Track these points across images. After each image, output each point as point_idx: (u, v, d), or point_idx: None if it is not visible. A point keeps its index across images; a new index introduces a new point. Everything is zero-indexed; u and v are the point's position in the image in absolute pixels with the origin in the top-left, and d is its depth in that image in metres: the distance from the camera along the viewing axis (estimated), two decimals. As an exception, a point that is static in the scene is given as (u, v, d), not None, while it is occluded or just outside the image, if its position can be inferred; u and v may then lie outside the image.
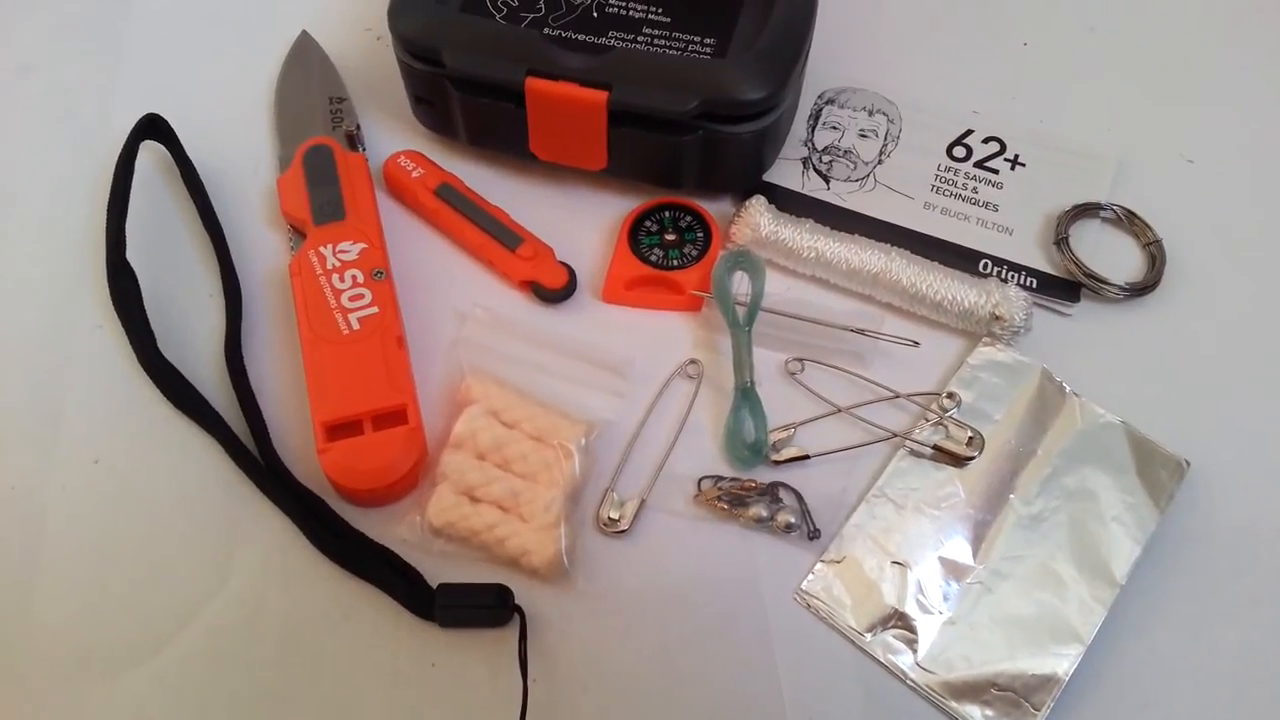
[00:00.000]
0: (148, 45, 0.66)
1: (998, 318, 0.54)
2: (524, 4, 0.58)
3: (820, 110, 0.64)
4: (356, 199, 0.56)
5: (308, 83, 0.63)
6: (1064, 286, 0.57)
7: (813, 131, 0.63)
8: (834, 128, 0.63)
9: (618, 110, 0.54)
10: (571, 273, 0.57)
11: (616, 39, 0.57)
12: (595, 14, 0.58)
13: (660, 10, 0.58)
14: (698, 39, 0.57)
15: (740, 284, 0.55)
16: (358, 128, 0.61)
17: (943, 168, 0.61)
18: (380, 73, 0.63)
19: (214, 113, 0.63)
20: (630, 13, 0.58)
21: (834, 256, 0.56)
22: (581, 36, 0.57)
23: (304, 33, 0.66)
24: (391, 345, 0.52)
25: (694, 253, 0.58)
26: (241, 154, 0.62)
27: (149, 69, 0.65)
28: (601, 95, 0.53)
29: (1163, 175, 0.61)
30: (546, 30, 0.57)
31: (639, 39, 0.57)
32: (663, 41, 0.57)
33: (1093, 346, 0.56)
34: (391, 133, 0.63)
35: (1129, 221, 0.59)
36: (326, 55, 0.65)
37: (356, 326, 0.52)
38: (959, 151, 0.62)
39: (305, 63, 0.64)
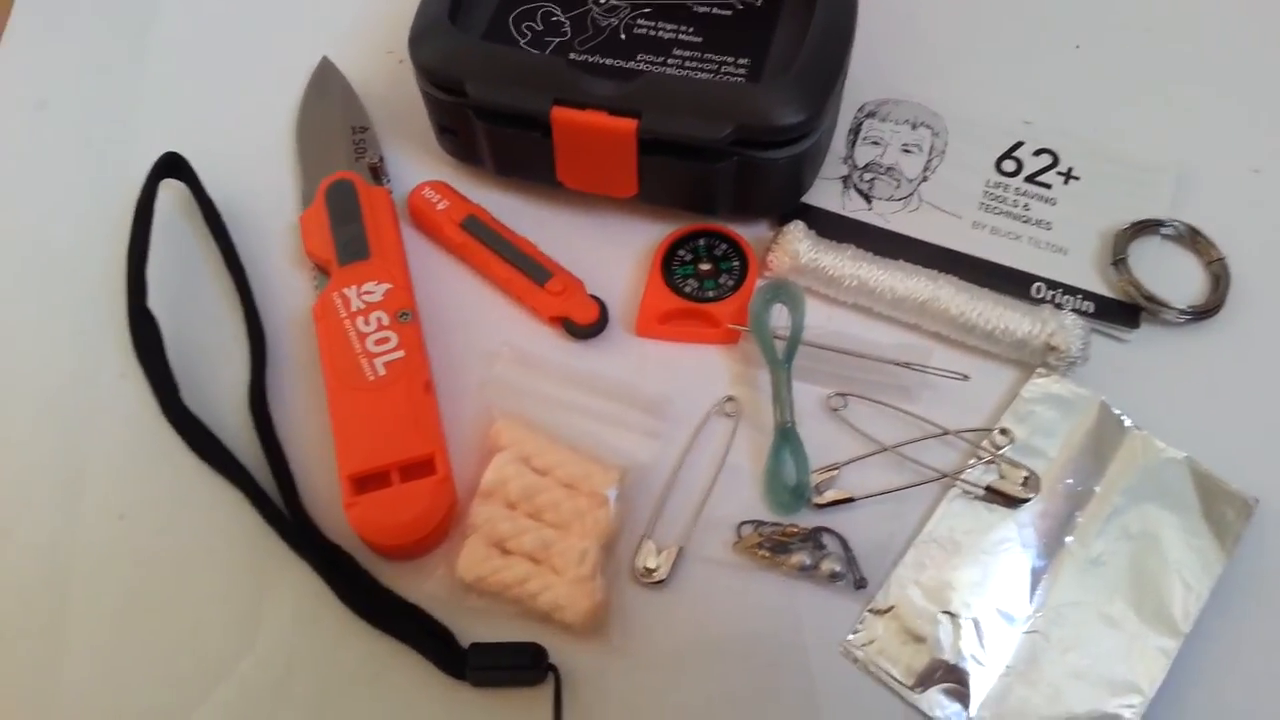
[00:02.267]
0: (167, 77, 0.65)
1: (1053, 348, 0.51)
2: (549, 28, 0.56)
3: (860, 124, 0.61)
4: (381, 236, 0.55)
5: (329, 112, 0.62)
6: (1122, 310, 0.54)
7: (853, 147, 0.60)
8: (875, 143, 0.60)
9: (648, 138, 0.52)
10: (603, 307, 0.55)
11: (646, 62, 0.55)
12: (623, 35, 0.56)
13: (691, 30, 0.56)
14: (730, 60, 0.55)
15: (779, 316, 0.53)
16: (381, 159, 0.60)
17: (991, 184, 0.58)
18: (404, 98, 0.61)
19: (235, 146, 0.62)
20: (660, 33, 0.56)
21: (877, 284, 0.53)
22: (609, 61, 0.55)
23: (325, 59, 0.64)
24: (418, 391, 0.50)
25: (730, 283, 0.55)
26: (264, 188, 0.60)
27: (169, 102, 0.64)
28: (631, 124, 0.51)
29: (1227, 187, 0.58)
30: (573, 55, 0.55)
31: (669, 61, 0.55)
32: (694, 64, 0.55)
33: (1153, 374, 0.53)
34: (416, 160, 0.61)
35: (1191, 239, 0.56)
36: (348, 83, 0.63)
37: (383, 372, 0.50)
38: (1009, 166, 0.59)
39: (327, 91, 0.63)
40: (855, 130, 0.61)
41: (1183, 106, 0.61)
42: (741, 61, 0.54)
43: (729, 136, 0.51)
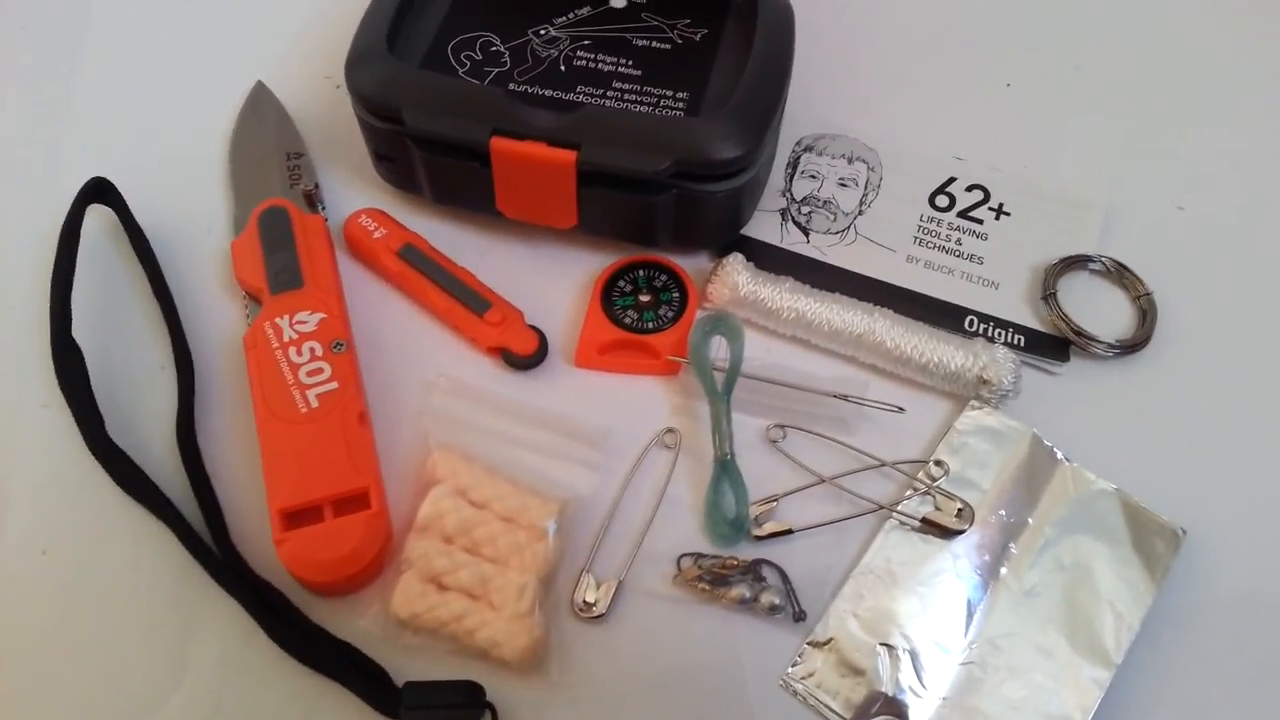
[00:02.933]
0: (96, 99, 0.64)
1: (985, 381, 0.52)
2: (488, 57, 0.56)
3: (798, 158, 0.62)
4: (315, 265, 0.54)
5: (263, 137, 0.61)
6: (1053, 344, 0.55)
7: (791, 180, 0.61)
8: (813, 176, 0.61)
9: (587, 170, 0.51)
10: (542, 338, 0.54)
11: (585, 94, 0.55)
12: (563, 67, 0.56)
13: (630, 63, 0.56)
14: (670, 93, 0.55)
15: (719, 348, 0.53)
16: (316, 186, 0.59)
17: (925, 218, 0.59)
18: (341, 124, 0.61)
19: (166, 170, 0.60)
20: (600, 66, 0.56)
21: (815, 317, 0.54)
22: (549, 92, 0.55)
23: (259, 83, 0.63)
24: (353, 423, 0.49)
25: (670, 314, 0.55)
26: (195, 213, 0.59)
27: (98, 124, 0.63)
28: (570, 155, 0.51)
29: (1152, 223, 0.60)
30: (512, 85, 0.55)
31: (609, 93, 0.55)
32: (633, 96, 0.55)
33: (1083, 406, 0.54)
34: (353, 187, 0.60)
35: (1119, 274, 0.57)
36: (283, 107, 0.62)
37: (315, 404, 0.49)
38: (942, 200, 0.60)
39: (261, 116, 0.62)
40: (793, 164, 0.61)
41: (1110, 144, 0.63)
42: (680, 95, 0.55)
43: (668, 170, 0.51)
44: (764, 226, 0.59)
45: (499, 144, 0.52)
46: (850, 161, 0.61)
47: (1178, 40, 0.68)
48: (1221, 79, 0.66)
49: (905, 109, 0.64)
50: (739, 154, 0.51)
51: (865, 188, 0.61)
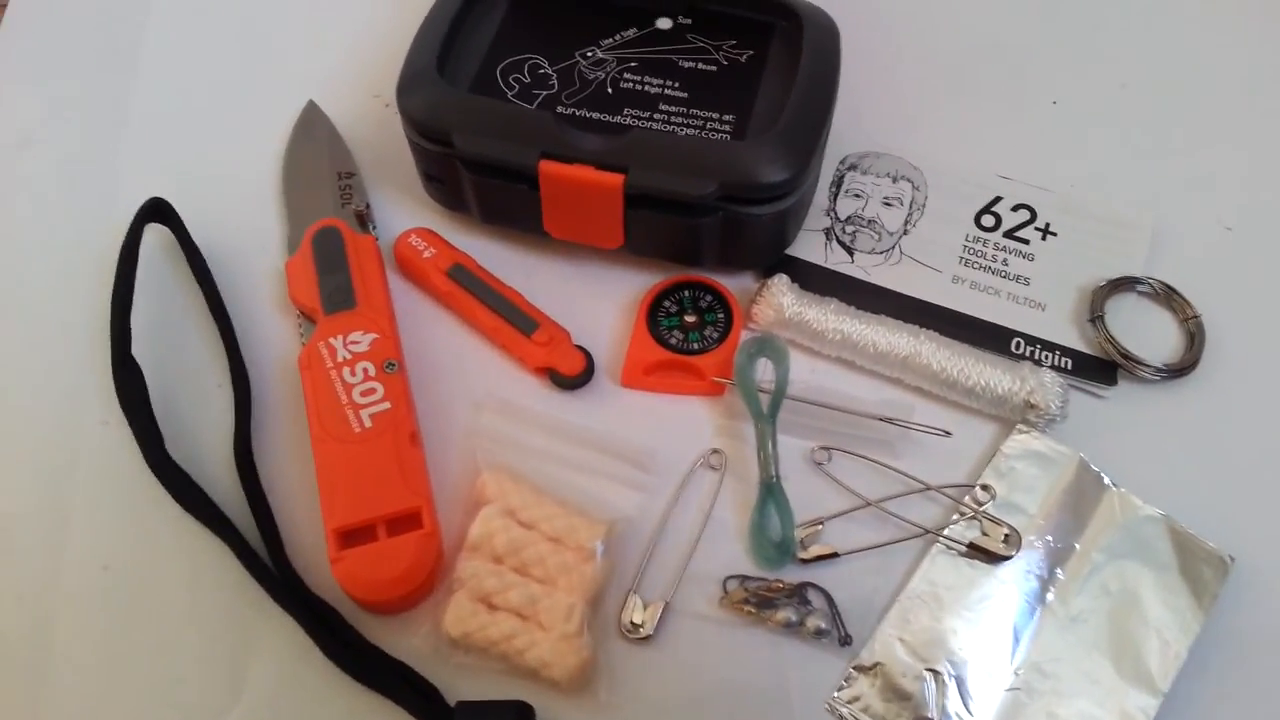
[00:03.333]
0: (152, 118, 0.65)
1: (1032, 405, 0.52)
2: (536, 80, 0.57)
3: (843, 177, 0.62)
4: (367, 285, 0.55)
5: (316, 157, 0.62)
6: (1100, 367, 0.55)
7: (835, 199, 0.61)
8: (857, 195, 0.61)
9: (634, 193, 0.52)
10: (588, 358, 0.55)
11: (632, 117, 0.55)
12: (610, 89, 0.56)
13: (677, 85, 0.56)
14: (716, 116, 0.55)
15: (764, 370, 0.54)
16: (367, 206, 0.60)
17: (971, 238, 0.59)
18: (391, 143, 0.61)
19: (221, 189, 0.61)
20: (646, 88, 0.56)
21: (860, 339, 0.54)
22: (596, 115, 0.55)
23: (311, 103, 0.64)
24: (404, 442, 0.50)
25: (715, 335, 0.56)
26: (249, 233, 0.60)
27: (154, 143, 0.64)
28: (617, 178, 0.52)
29: (1201, 243, 0.59)
30: (560, 109, 0.56)
31: (655, 116, 0.55)
32: (680, 119, 0.55)
33: (1130, 430, 0.54)
34: (403, 206, 0.61)
35: (1166, 297, 0.57)
36: (335, 127, 0.63)
37: (368, 424, 0.50)
38: (987, 220, 0.60)
39: (313, 136, 0.63)
40: (837, 183, 0.62)
41: (1157, 162, 0.63)
42: (726, 118, 0.55)
43: (714, 193, 0.51)
44: (809, 246, 0.59)
45: (547, 167, 0.52)
46: (895, 180, 0.62)
47: (1224, 57, 0.68)
48: (1269, 96, 0.66)
49: (950, 127, 0.64)
50: (785, 177, 0.52)
51: (910, 207, 0.61)
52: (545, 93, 0.56)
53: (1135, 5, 0.70)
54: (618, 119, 0.55)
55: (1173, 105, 0.65)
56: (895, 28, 0.68)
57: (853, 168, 0.62)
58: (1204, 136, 0.64)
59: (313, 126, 0.63)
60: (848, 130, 0.62)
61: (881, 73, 0.65)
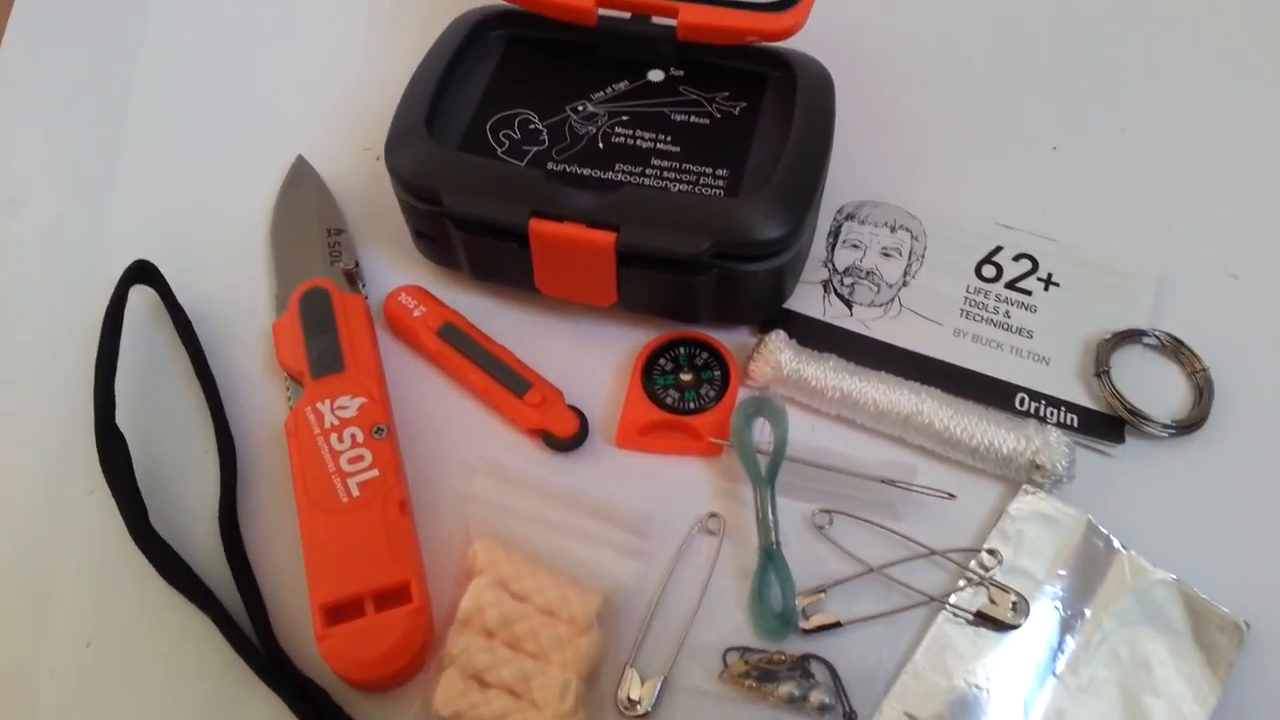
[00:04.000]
0: (139, 174, 0.64)
1: (1038, 466, 0.50)
2: (526, 135, 0.56)
3: (840, 226, 0.61)
4: (356, 347, 0.54)
5: (304, 214, 0.61)
6: (1107, 424, 0.54)
7: (833, 250, 0.60)
8: (855, 246, 0.60)
9: (626, 251, 0.51)
10: (583, 419, 0.54)
11: (624, 173, 0.54)
12: (601, 144, 0.55)
13: (669, 139, 0.55)
14: (709, 170, 0.54)
15: (762, 431, 0.52)
16: (356, 264, 0.59)
17: (972, 289, 0.58)
18: (382, 196, 0.60)
19: (209, 246, 0.61)
20: (638, 142, 0.55)
21: (860, 397, 0.53)
22: (587, 171, 0.54)
23: (299, 158, 0.63)
24: (393, 512, 0.49)
25: (711, 393, 0.55)
26: (238, 292, 0.59)
27: (141, 199, 0.63)
28: (609, 237, 0.51)
29: (1206, 292, 0.58)
30: (550, 165, 0.54)
31: (648, 171, 0.54)
32: (672, 174, 0.54)
33: (1140, 489, 0.52)
34: (394, 262, 0.60)
35: (1174, 350, 0.55)
36: (324, 182, 0.62)
37: (356, 493, 0.49)
38: (988, 271, 0.59)
39: (301, 191, 0.62)
40: (835, 233, 0.61)
41: (1159, 209, 0.61)
42: (720, 172, 0.54)
43: (708, 251, 0.50)
44: (806, 299, 0.58)
45: (538, 226, 0.51)
46: (893, 230, 0.60)
47: (1226, 100, 0.66)
48: (1272, 138, 0.64)
49: (948, 173, 0.63)
50: (780, 234, 0.51)
51: (909, 257, 0.60)
52: (536, 148, 0.55)
53: (1133, 48, 0.69)
54: (609, 175, 0.54)
55: (1173, 149, 0.64)
56: (890, 73, 0.67)
57: (850, 217, 0.61)
58: (1206, 181, 0.63)
59: (301, 182, 0.62)
60: (844, 178, 0.61)
61: (877, 119, 0.64)
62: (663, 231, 0.50)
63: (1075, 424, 0.53)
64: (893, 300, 0.58)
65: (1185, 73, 0.68)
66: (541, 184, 0.52)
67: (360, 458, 0.50)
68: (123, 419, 0.52)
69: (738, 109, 0.57)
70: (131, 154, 0.65)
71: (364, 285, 0.59)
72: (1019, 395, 0.55)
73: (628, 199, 0.52)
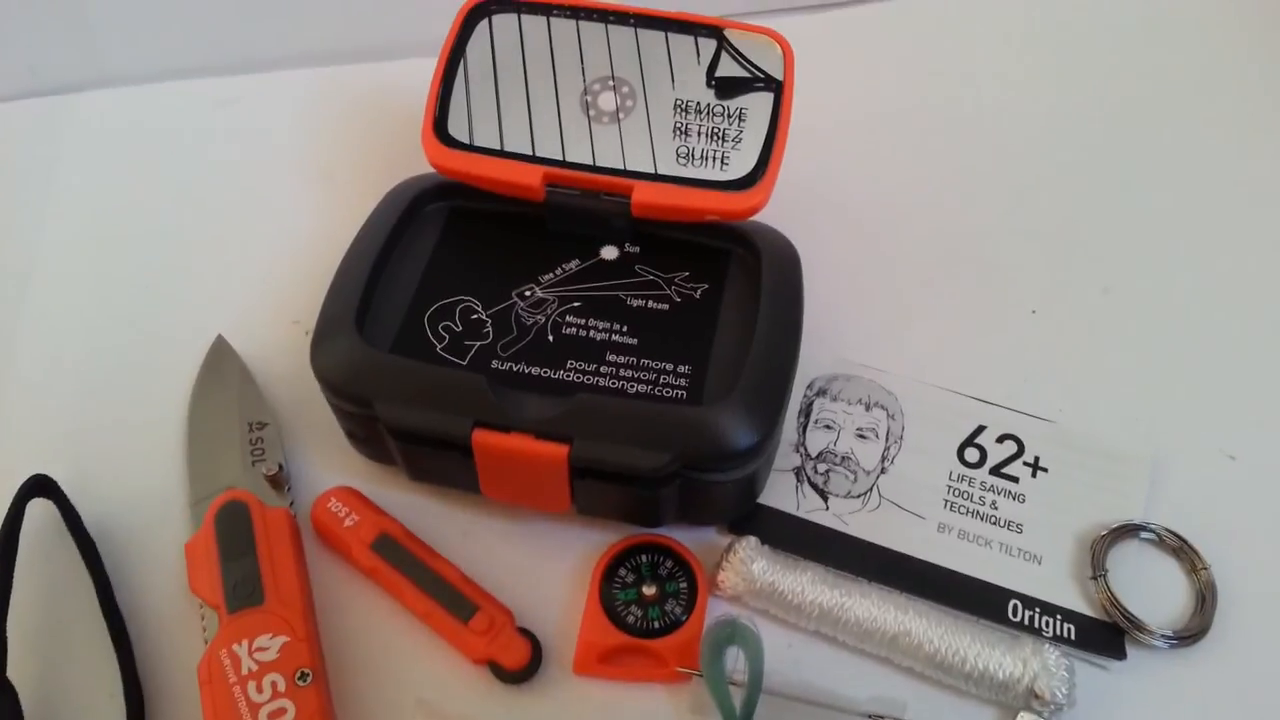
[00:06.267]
0: (41, 366, 0.58)
1: (1037, 695, 0.46)
2: (468, 328, 0.51)
3: (811, 404, 0.56)
4: (278, 573, 0.48)
5: (223, 405, 0.55)
6: (1106, 634, 0.49)
7: (804, 431, 0.56)
8: (828, 427, 0.56)
9: (580, 465, 0.46)
10: (535, 646, 0.48)
11: (576, 372, 0.49)
12: (551, 336, 0.51)
13: (625, 330, 0.51)
14: (670, 367, 0.50)
15: (735, 659, 0.47)
16: (281, 467, 0.53)
17: (955, 476, 0.54)
18: (311, 377, 0.54)
19: (120, 448, 0.55)
20: (591, 334, 0.51)
21: (842, 615, 0.48)
22: (536, 370, 0.49)
23: (219, 338, 0.58)
24: (320, 776, 0.43)
25: (677, 610, 0.50)
26: (151, 500, 0.53)
27: (43, 395, 0.57)
28: (561, 450, 0.46)
29: (1202, 475, 0.54)
30: (495, 364, 0.50)
31: (602, 369, 0.49)
32: (629, 372, 0.49)
33: (1141, 708, 0.48)
34: (324, 454, 0.55)
35: (1175, 549, 0.51)
36: (245, 367, 0.57)
37: (279, 755, 0.43)
38: (971, 455, 0.55)
39: (221, 378, 0.56)
40: (805, 411, 0.56)
41: (1147, 377, 0.57)
42: (682, 369, 0.49)
43: (670, 465, 0.45)
44: (779, 490, 0.54)
45: (482, 437, 0.46)
46: (868, 408, 0.56)
47: (1214, 258, 0.62)
48: (1268, 300, 0.61)
49: (923, 340, 0.59)
50: (750, 444, 0.46)
51: (887, 439, 0.55)
52: (479, 344, 0.50)
53: (1112, 202, 0.65)
54: (560, 375, 0.49)
55: (1158, 310, 0.60)
56: (857, 240, 0.63)
57: (821, 393, 0.57)
58: (1195, 348, 0.59)
59: (220, 367, 0.57)
60: (815, 348, 0.56)
61: (847, 286, 0.60)
62: (620, 445, 0.46)
63: (1073, 635, 0.49)
64: (871, 490, 0.54)
65: (1167, 225, 0.64)
66: (485, 390, 0.47)
67: (282, 711, 0.44)
68: (15, 665, 0.46)
69: (699, 291, 0.52)
70: (28, 343, 0.59)
71: (289, 488, 0.53)
72: (1012, 602, 0.50)
73: (581, 407, 0.47)
